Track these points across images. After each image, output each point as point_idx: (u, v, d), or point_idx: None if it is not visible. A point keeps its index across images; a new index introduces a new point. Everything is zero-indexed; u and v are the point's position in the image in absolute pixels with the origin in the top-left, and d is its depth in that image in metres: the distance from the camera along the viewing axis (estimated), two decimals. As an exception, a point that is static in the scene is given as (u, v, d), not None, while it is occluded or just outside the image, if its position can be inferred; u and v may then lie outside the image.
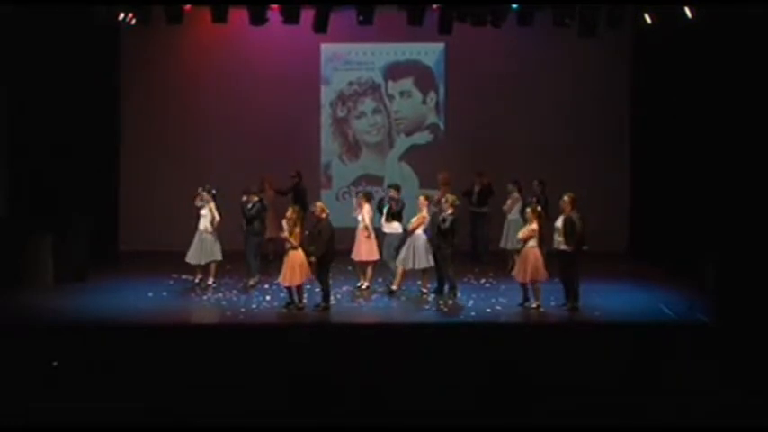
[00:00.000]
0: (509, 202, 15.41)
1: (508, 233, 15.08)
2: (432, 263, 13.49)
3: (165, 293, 13.90)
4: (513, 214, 15.21)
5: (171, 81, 17.35)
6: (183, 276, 14.54)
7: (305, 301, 12.94)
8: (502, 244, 15.36)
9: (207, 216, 14.18)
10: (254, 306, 13.12)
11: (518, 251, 13.16)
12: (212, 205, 14.21)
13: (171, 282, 14.55)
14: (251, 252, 14.24)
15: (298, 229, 12.66)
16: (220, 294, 13.77)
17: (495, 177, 16.15)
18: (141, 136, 17.28)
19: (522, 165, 16.84)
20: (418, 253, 13.41)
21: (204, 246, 14.14)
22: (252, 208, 14.20)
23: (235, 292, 13.90)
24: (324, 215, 12.86)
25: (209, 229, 14.17)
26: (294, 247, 12.60)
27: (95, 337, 11.51)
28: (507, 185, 15.51)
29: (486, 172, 16.43)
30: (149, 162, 17.29)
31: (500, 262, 15.35)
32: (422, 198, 13.84)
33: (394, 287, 13.72)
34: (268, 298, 13.15)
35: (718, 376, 10.78)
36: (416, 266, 13.50)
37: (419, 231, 13.50)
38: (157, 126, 17.35)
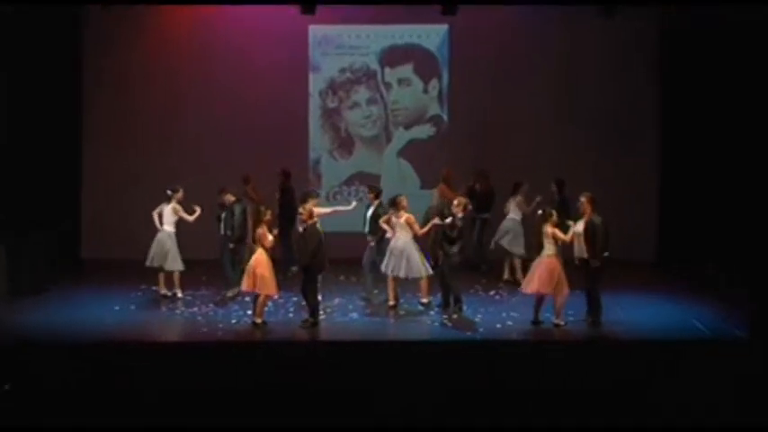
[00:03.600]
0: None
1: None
2: (425, 272, 13.63)
3: (133, 306, 13.96)
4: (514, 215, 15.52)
5: (138, 71, 17.44)
6: (154, 287, 14.60)
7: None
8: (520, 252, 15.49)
9: (172, 216, 14.26)
10: (233, 321, 13.18)
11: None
12: (178, 206, 14.28)
13: (140, 293, 14.64)
14: (228, 260, 14.33)
15: (271, 237, 12.82)
16: (195, 308, 13.83)
17: (507, 176, 16.13)
18: (106, 133, 17.43)
19: (536, 162, 16.99)
20: (412, 260, 13.57)
21: (161, 247, 14.22)
22: (228, 210, 14.31)
23: (211, 305, 13.96)
24: (311, 220, 12.91)
25: (171, 229, 14.26)
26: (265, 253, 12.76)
27: (55, 357, 11.54)
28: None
29: (489, 172, 16.44)
30: (115, 162, 17.39)
31: (497, 272, 15.64)
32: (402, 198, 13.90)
33: (391, 302, 13.86)
34: (249, 312, 13.19)
35: (757, 397, 10.84)
36: (408, 275, 13.63)
37: (408, 237, 13.63)
38: (124, 121, 17.47)
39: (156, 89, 17.50)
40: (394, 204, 13.78)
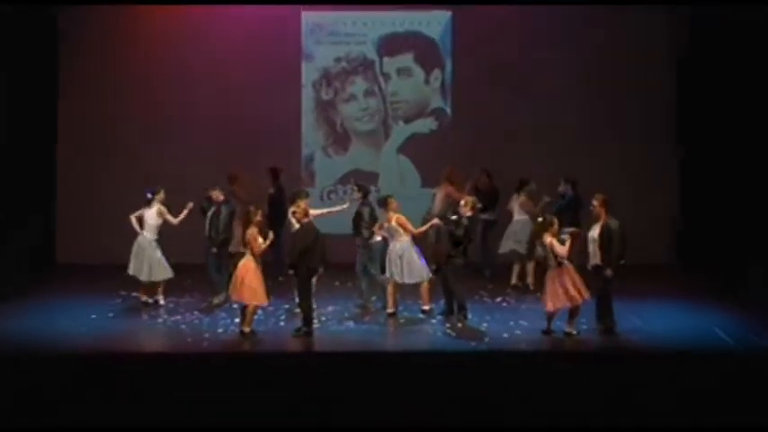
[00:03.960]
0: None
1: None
2: (426, 276, 13.55)
3: (111, 315, 13.86)
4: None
5: (116, 68, 17.35)
6: (134, 294, 14.50)
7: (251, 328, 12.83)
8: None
9: (155, 219, 14.12)
10: (220, 330, 13.06)
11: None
12: (162, 207, 14.16)
13: (119, 300, 14.54)
14: (214, 266, 14.23)
15: (261, 241, 12.70)
16: (179, 316, 13.72)
17: (514, 173, 15.99)
18: (81, 132, 17.36)
19: (545, 159, 16.89)
20: (412, 264, 13.49)
21: (143, 258, 14.10)
22: (215, 210, 14.21)
23: (196, 313, 13.85)
24: (305, 219, 12.82)
25: (153, 236, 14.13)
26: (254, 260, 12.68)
27: (27, 368, 11.45)
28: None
29: (492, 169, 16.26)
30: (91, 161, 17.33)
31: (504, 277, 15.47)
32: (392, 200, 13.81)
33: (390, 309, 13.74)
34: (237, 320, 13.10)
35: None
36: (407, 280, 13.54)
37: (406, 240, 13.55)
38: (100, 120, 17.37)
39: (135, 85, 17.41)
40: (383, 205, 13.72)
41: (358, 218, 13.92)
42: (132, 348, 12.65)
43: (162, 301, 14.25)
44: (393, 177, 17.47)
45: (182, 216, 14.22)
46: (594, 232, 12.77)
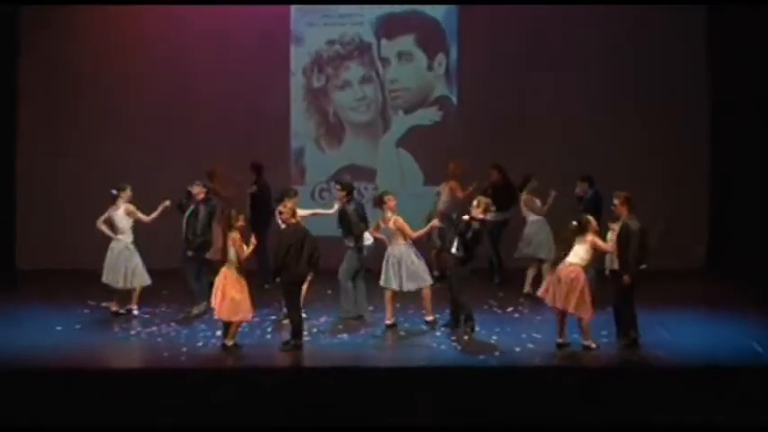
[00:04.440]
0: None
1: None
2: (428, 281, 13.56)
3: (78, 326, 13.81)
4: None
5: (82, 56, 17.49)
6: (104, 303, 14.48)
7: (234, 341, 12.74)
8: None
9: (126, 219, 14.06)
10: (199, 344, 13.02)
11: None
12: (130, 206, 14.10)
13: (87, 310, 14.52)
14: (192, 272, 14.18)
15: (246, 248, 12.67)
16: (154, 328, 13.67)
17: (525, 169, 15.95)
18: (44, 128, 17.49)
19: (562, 154, 16.87)
20: (411, 269, 13.48)
21: (122, 262, 14.04)
22: (194, 210, 14.16)
23: (173, 324, 13.82)
24: (293, 220, 12.81)
25: (128, 238, 14.08)
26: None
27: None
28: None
29: (503, 164, 16.24)
30: (54, 160, 17.43)
31: (517, 284, 15.48)
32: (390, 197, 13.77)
33: (389, 320, 13.69)
34: (218, 333, 13.08)
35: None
36: (406, 287, 13.55)
37: (405, 243, 13.59)
38: (64, 114, 17.55)
39: (102, 73, 17.47)
40: (379, 205, 13.70)
41: (344, 217, 13.86)
42: (102, 364, 12.65)
43: (135, 311, 14.22)
44: (392, 173, 17.50)
45: (155, 215, 14.18)
46: (613, 233, 12.73)
